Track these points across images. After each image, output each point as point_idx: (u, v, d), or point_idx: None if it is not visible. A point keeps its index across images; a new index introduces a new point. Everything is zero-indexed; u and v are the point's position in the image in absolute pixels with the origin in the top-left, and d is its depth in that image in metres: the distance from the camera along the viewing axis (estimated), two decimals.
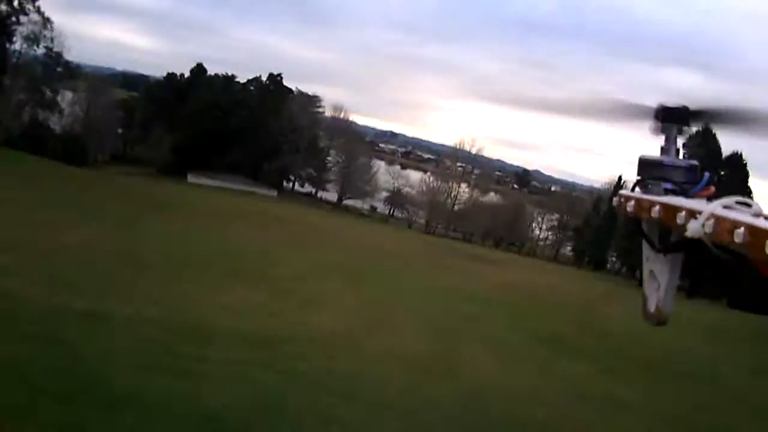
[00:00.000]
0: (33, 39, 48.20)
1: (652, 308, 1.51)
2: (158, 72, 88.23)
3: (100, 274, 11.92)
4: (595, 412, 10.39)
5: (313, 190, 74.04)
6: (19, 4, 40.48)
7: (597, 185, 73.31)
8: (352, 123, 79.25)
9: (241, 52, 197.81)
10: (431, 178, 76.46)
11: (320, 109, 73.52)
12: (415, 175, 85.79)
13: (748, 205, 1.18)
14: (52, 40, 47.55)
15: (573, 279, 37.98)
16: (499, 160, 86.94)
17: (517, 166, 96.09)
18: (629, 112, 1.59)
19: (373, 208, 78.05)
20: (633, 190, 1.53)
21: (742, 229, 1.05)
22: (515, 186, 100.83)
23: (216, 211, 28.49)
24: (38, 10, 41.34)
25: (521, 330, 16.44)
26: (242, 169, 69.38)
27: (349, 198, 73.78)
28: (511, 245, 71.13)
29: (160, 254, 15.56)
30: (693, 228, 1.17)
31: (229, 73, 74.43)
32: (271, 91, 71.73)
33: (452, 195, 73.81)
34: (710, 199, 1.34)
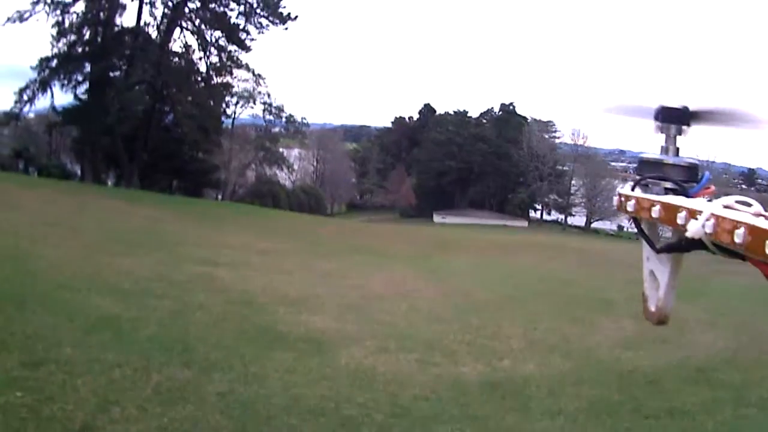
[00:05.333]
0: (248, 97, 46.53)
1: (652, 307, 1.48)
2: (376, 122, 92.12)
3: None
4: None
5: (560, 217, 71.95)
6: (229, 56, 36.96)
7: None
8: (589, 146, 76.19)
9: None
10: None
11: (557, 134, 71.71)
12: None
13: (749, 205, 1.12)
14: (268, 95, 45.03)
15: None
16: (724, 162, 77.02)
17: (741, 166, 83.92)
18: (630, 111, 1.59)
19: (620, 228, 74.23)
20: (633, 189, 1.49)
21: (743, 228, 1.00)
22: (743, 186, 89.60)
23: (496, 245, 25.83)
24: (247, 67, 38.00)
25: None
26: (487, 203, 70.32)
27: (597, 220, 70.61)
28: None
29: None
30: (693, 228, 1.13)
31: (460, 109, 75.91)
32: (506, 121, 71.78)
33: None
34: (711, 198, 1.31)
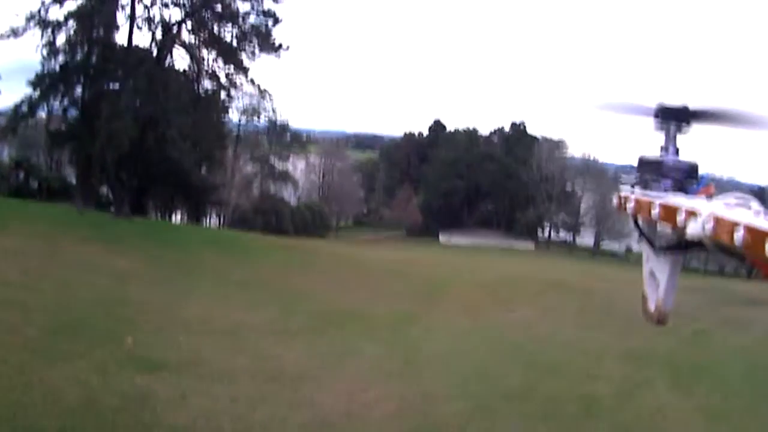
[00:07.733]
0: (252, 112, 46.19)
1: (652, 307, 1.47)
2: (389, 131, 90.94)
3: None
4: None
5: (568, 237, 70.62)
6: (227, 77, 36.08)
7: None
8: (599, 163, 74.80)
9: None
10: None
11: (567, 154, 70.59)
12: None
13: (748, 204, 1.12)
14: (273, 110, 43.94)
15: None
16: (731, 178, 75.37)
17: (751, 183, 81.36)
18: (630, 110, 1.60)
19: (629, 249, 72.79)
20: (632, 189, 1.50)
21: (742, 228, 1.01)
22: None
23: (492, 290, 23.98)
24: (252, 82, 36.41)
25: None
26: (495, 223, 69.26)
27: (604, 241, 69.23)
28: None
29: None
30: (693, 228, 1.11)
31: (470, 127, 75.10)
32: (516, 140, 70.81)
33: None
34: (710, 198, 1.29)
